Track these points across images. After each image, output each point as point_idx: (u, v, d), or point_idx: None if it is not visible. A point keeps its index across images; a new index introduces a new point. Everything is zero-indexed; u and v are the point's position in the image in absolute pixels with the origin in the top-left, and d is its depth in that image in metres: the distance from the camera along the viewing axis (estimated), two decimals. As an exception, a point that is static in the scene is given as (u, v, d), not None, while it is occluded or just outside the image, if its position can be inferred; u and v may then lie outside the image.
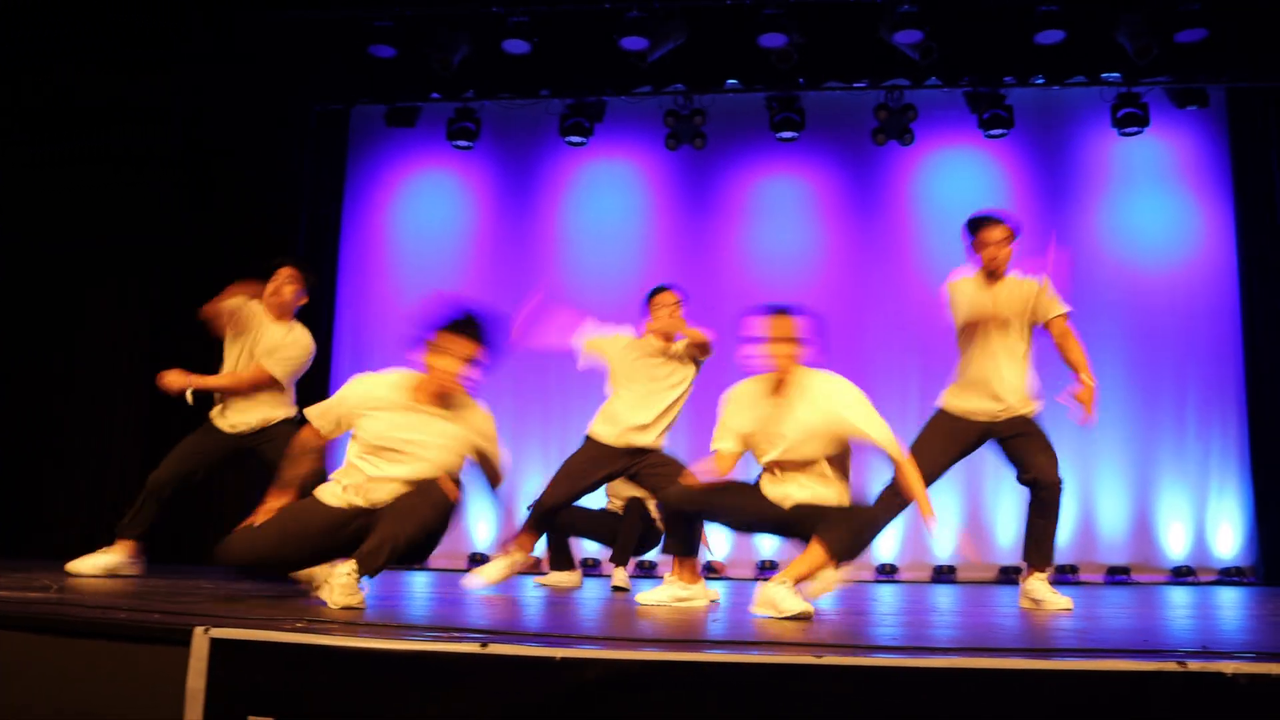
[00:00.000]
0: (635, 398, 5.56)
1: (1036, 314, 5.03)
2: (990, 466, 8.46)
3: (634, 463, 5.49)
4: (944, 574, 8.58)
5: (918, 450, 4.56)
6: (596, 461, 5.50)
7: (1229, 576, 8.46)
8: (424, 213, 9.67)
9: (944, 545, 8.73)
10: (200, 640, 2.41)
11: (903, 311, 8.98)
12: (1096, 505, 8.69)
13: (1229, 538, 8.60)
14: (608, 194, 9.54)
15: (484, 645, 2.32)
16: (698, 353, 5.68)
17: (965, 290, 5.16)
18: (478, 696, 2.29)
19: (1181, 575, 8.45)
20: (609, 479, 5.68)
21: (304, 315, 9.09)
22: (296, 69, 8.90)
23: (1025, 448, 4.85)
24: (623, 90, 9.15)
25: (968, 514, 8.74)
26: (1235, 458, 8.73)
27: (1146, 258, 8.98)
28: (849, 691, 2.19)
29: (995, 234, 5.12)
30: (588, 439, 5.62)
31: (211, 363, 5.78)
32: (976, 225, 5.21)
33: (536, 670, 2.27)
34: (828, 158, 9.38)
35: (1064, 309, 5.01)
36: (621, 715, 2.24)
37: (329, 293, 9.36)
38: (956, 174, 9.31)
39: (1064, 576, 8.44)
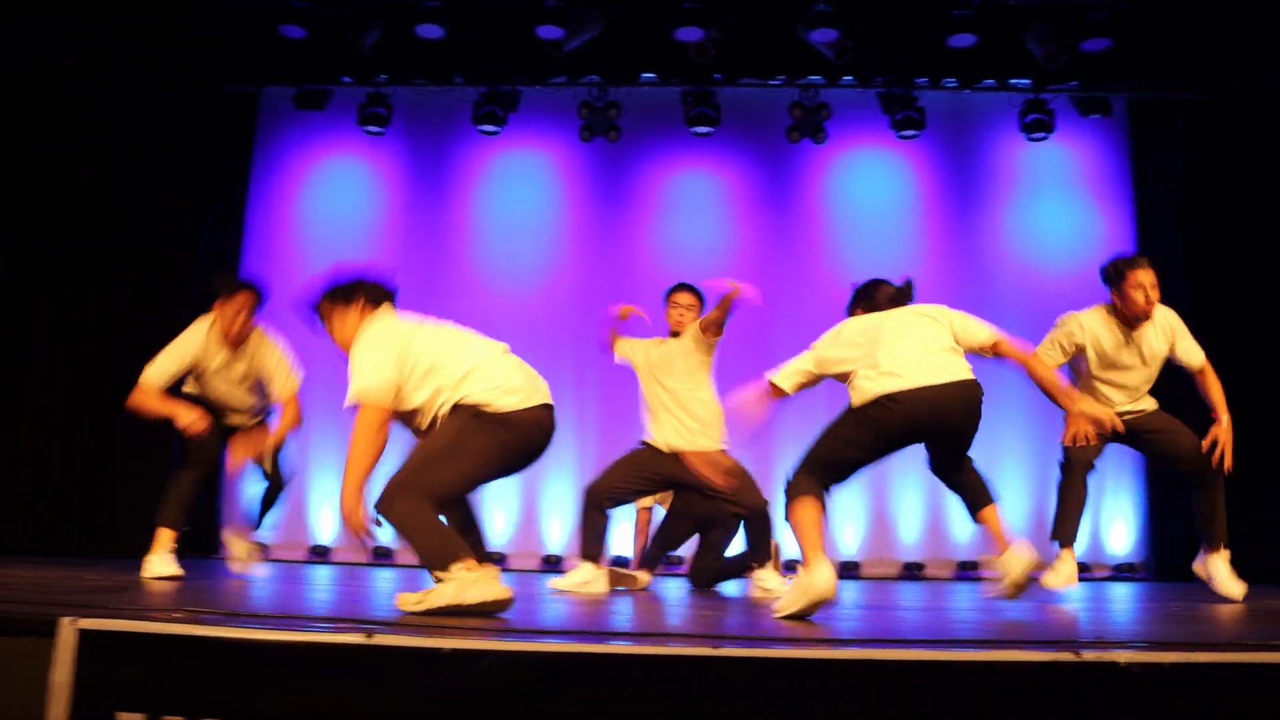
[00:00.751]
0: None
1: (1174, 355, 5.31)
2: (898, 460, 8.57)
3: None
4: (848, 570, 8.65)
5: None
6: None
7: (1122, 572, 8.68)
8: (333, 199, 9.47)
9: (848, 542, 8.79)
10: (67, 631, 2.29)
11: (814, 309, 8.99)
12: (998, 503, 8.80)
13: (1122, 535, 8.82)
14: (520, 184, 9.43)
15: (370, 636, 2.24)
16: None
17: (1099, 332, 5.23)
18: (364, 689, 2.21)
19: (1078, 571, 8.61)
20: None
21: (207, 304, 8.91)
22: (203, 48, 8.63)
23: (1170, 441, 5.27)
24: (538, 80, 9.07)
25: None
26: (1130, 457, 8.93)
27: (1050, 261, 9.15)
28: (750, 682, 2.15)
29: (1148, 277, 5.06)
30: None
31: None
32: (1124, 265, 5.11)
33: (425, 662, 2.20)
34: (742, 154, 9.40)
35: (1202, 355, 5.26)
36: (514, 707, 2.17)
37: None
38: (869, 173, 9.40)
39: (967, 574, 8.57)
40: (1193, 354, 5.24)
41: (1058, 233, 9.26)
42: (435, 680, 2.16)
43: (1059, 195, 9.35)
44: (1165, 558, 8.60)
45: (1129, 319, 5.12)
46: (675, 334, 5.96)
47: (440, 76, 9.07)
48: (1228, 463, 5.04)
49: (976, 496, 4.12)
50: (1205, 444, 5.06)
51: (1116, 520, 8.85)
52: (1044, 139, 9.07)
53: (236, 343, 5.47)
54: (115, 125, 8.66)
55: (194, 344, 5.39)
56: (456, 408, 3.37)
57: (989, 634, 2.73)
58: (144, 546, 5.23)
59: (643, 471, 5.65)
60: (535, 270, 9.25)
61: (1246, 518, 5.49)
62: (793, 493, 3.60)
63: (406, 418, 3.52)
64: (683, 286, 6.04)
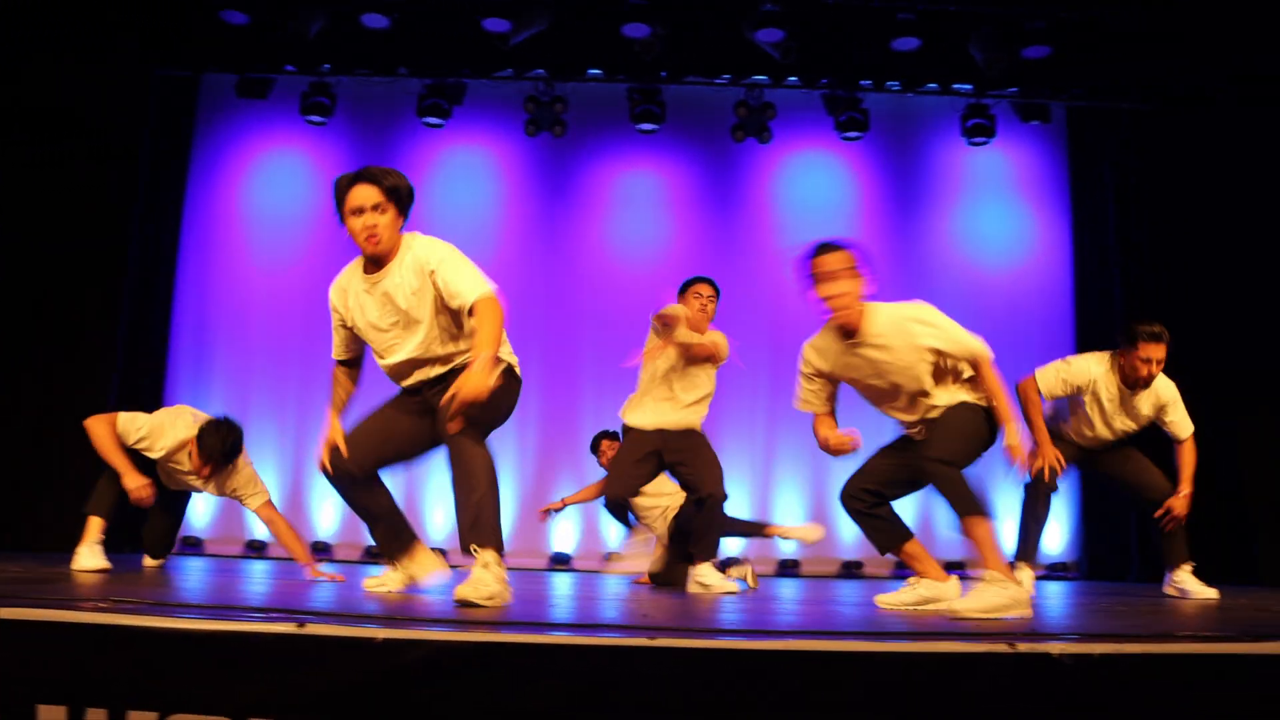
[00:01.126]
0: None
1: (1161, 422, 5.58)
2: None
3: None
4: (788, 567, 8.70)
5: None
6: None
7: (1055, 571, 8.82)
8: (274, 189, 9.33)
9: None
10: (-15, 622, 2.22)
11: (757, 308, 9.07)
12: (935, 505, 8.91)
13: (1056, 536, 8.96)
14: (464, 177, 9.37)
15: (301, 625, 2.21)
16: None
17: (1102, 383, 5.48)
18: (295, 679, 2.18)
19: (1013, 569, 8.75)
20: None
21: (138, 298, 8.74)
22: (142, 31, 8.46)
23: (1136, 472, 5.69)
24: (483, 73, 9.01)
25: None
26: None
27: (988, 264, 9.28)
28: (679, 673, 2.15)
29: (1158, 353, 5.29)
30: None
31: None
32: (1142, 336, 5.31)
33: (357, 651, 2.17)
34: (687, 152, 9.42)
35: (1190, 430, 5.52)
36: (446, 698, 2.15)
37: (169, 271, 8.98)
38: (812, 174, 9.47)
39: (905, 572, 8.64)
40: (1181, 427, 5.51)
41: (997, 236, 9.40)
42: (367, 670, 2.14)
43: (999, 199, 9.49)
44: (1097, 558, 8.76)
45: (1129, 381, 5.37)
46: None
47: (385, 67, 8.98)
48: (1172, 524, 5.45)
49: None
50: (1158, 513, 5.49)
51: (1051, 522, 8.96)
52: (985, 143, 9.19)
53: (205, 477, 5.42)
54: (44, 108, 8.42)
55: (169, 439, 5.30)
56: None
57: (928, 626, 2.76)
58: (74, 540, 5.13)
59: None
60: (477, 264, 9.18)
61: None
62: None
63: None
64: (704, 279, 5.95)
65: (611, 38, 8.43)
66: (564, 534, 8.80)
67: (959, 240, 9.37)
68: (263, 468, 8.67)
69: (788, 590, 5.46)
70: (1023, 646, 2.19)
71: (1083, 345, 9.07)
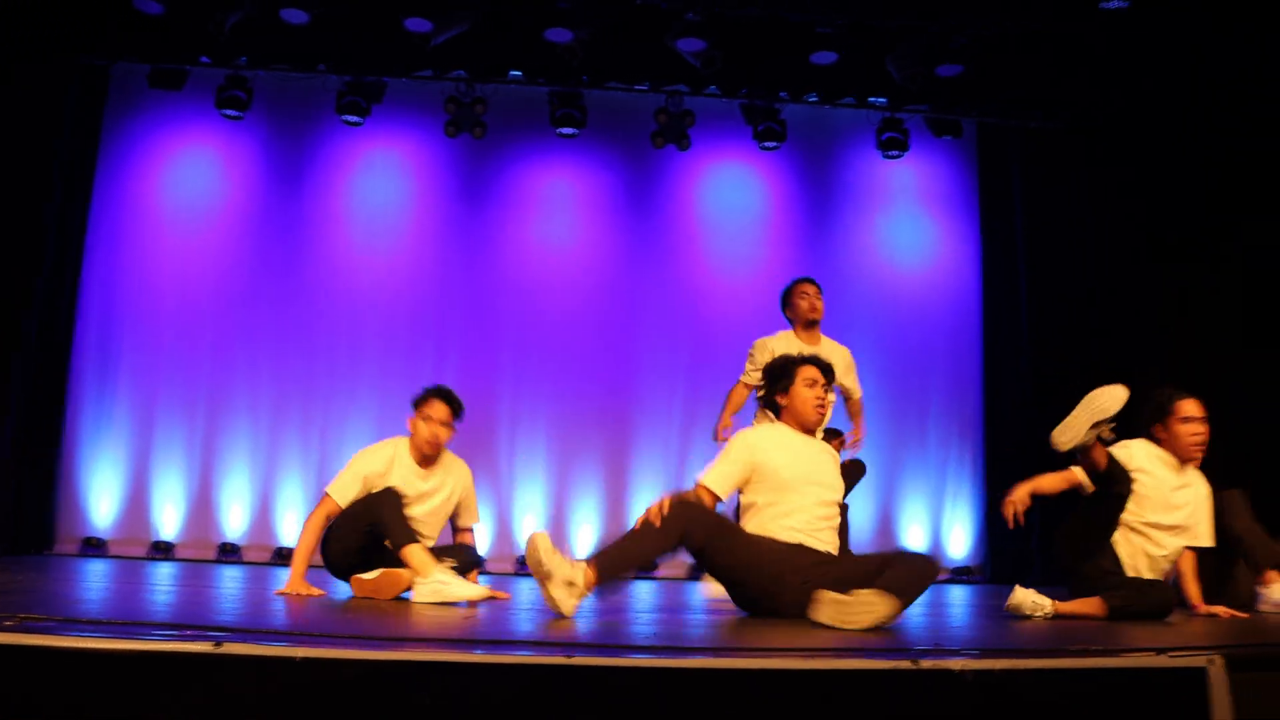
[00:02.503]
0: None
1: None
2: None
3: None
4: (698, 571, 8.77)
5: None
6: None
7: (960, 575, 9.04)
8: (186, 183, 9.13)
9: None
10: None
11: (674, 314, 9.16)
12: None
13: (961, 540, 9.19)
14: (382, 177, 9.29)
15: (218, 645, 2.19)
16: None
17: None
18: (212, 700, 2.16)
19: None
20: None
21: (50, 293, 8.48)
22: (53, 17, 8.22)
23: None
24: (404, 72, 8.94)
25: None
26: (970, 465, 9.34)
27: (900, 275, 9.48)
28: (603, 692, 2.18)
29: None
30: None
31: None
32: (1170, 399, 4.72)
33: (276, 671, 2.15)
34: (607, 157, 9.45)
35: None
36: (368, 717, 2.16)
37: (75, 267, 8.74)
38: (730, 182, 9.58)
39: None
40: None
41: (908, 247, 9.60)
42: (288, 691, 2.13)
43: (911, 211, 9.69)
44: (1001, 561, 9.00)
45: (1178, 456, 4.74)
46: (814, 322, 5.91)
47: (303, 63, 8.85)
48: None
49: None
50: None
51: (955, 526, 9.21)
52: (899, 157, 9.39)
53: None
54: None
55: None
56: None
57: (833, 643, 2.82)
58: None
59: None
60: (394, 265, 9.12)
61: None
62: None
63: None
64: (809, 280, 6.01)
65: (534, 41, 8.42)
66: (479, 537, 8.74)
67: (872, 251, 9.55)
68: (170, 467, 8.58)
69: (699, 601, 5.51)
70: (926, 663, 2.24)
71: (989, 356, 9.33)
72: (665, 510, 3.57)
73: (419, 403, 4.88)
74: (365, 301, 8.95)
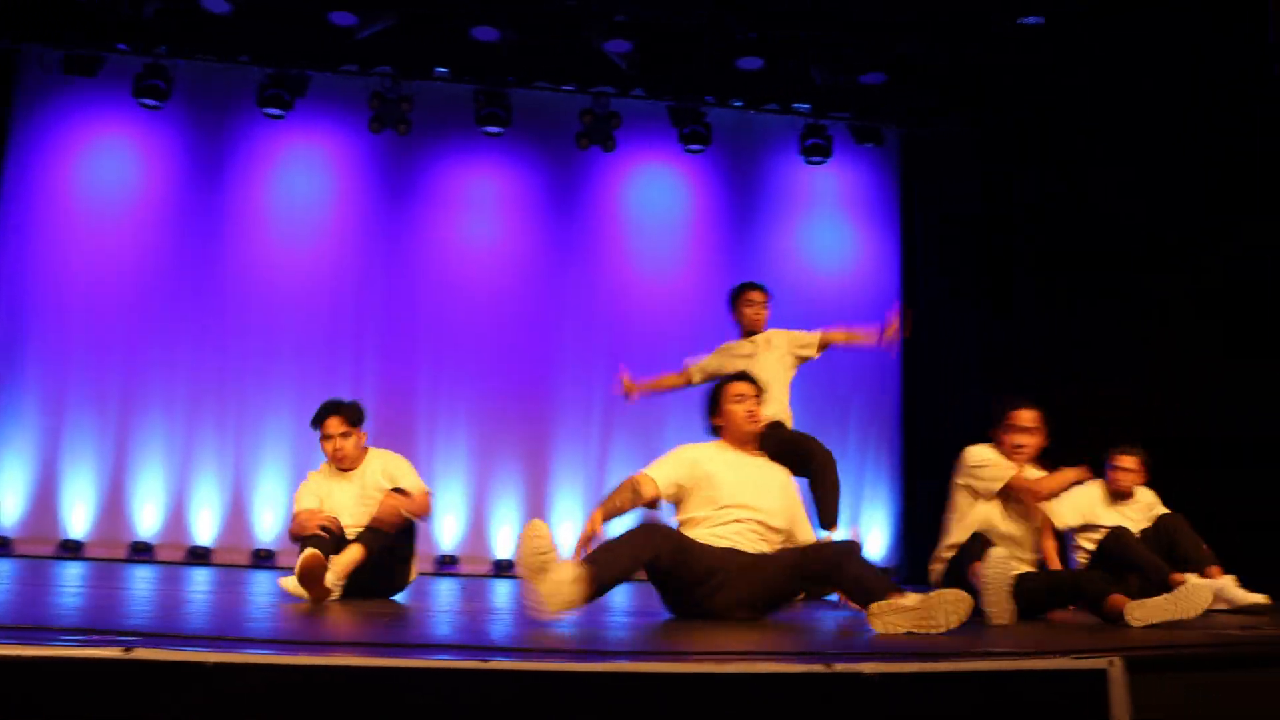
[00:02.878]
0: None
1: None
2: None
3: None
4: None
5: None
6: None
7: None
8: (100, 173, 8.91)
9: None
10: None
11: (596, 314, 9.17)
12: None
13: (878, 543, 9.33)
14: (304, 172, 9.16)
15: (128, 650, 2.15)
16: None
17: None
18: (120, 707, 2.12)
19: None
20: None
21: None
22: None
23: None
24: (328, 66, 8.84)
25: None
26: (887, 467, 9.50)
27: (822, 282, 9.58)
28: (519, 696, 2.18)
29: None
30: None
31: None
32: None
33: (187, 677, 2.12)
34: (532, 157, 9.42)
35: None
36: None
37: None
38: (655, 184, 9.62)
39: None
40: None
41: (830, 252, 9.73)
42: (198, 697, 2.10)
43: (833, 217, 9.82)
44: (918, 563, 9.15)
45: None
46: (753, 332, 5.90)
47: (225, 53, 8.71)
48: None
49: None
50: None
51: (873, 527, 9.36)
52: (821, 163, 9.51)
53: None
54: None
55: None
56: None
57: (748, 646, 2.86)
58: None
59: None
60: (314, 262, 9.00)
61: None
62: None
63: None
64: (756, 285, 6.02)
65: (460, 38, 8.38)
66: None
67: (794, 255, 9.65)
68: (80, 464, 8.37)
69: (619, 600, 5.54)
70: (838, 666, 2.29)
71: (907, 362, 9.48)
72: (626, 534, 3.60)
73: (314, 425, 4.82)
74: (284, 298, 8.82)
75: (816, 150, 9.43)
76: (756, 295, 5.99)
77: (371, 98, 8.94)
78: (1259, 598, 5.14)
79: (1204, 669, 2.68)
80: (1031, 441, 4.62)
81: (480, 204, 9.31)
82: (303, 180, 9.12)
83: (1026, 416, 4.63)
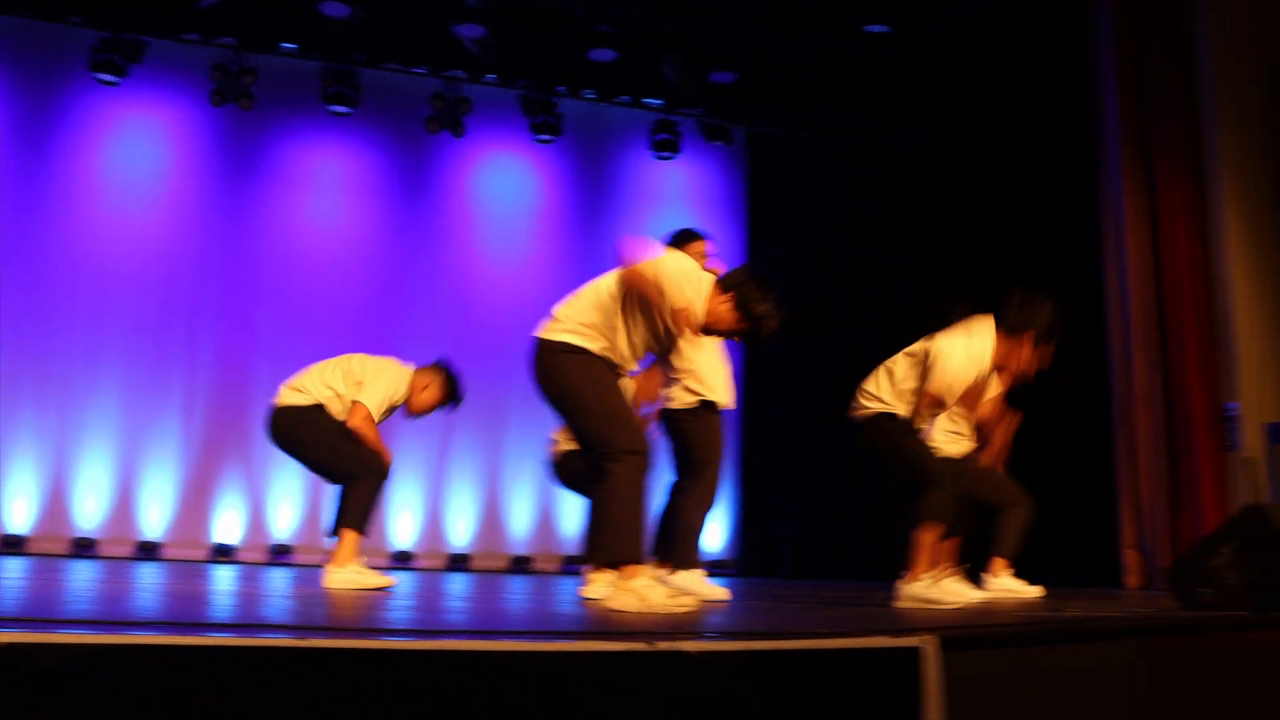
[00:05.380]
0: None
1: None
2: (511, 456, 8.77)
3: None
4: (459, 562, 8.73)
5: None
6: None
7: (715, 568, 9.35)
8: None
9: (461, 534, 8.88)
10: None
11: (442, 300, 9.08)
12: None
13: (716, 534, 9.50)
14: (140, 142, 8.79)
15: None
16: None
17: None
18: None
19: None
20: None
21: None
22: None
23: None
24: (167, 33, 8.50)
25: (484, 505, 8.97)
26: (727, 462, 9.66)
27: (669, 274, 9.68)
28: (339, 675, 2.15)
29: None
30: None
31: None
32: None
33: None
34: (379, 139, 9.27)
35: None
36: (80, 706, 2.04)
37: None
38: (504, 172, 9.59)
39: (573, 568, 8.89)
40: None
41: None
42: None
43: (681, 213, 9.92)
44: (753, 556, 9.37)
45: None
46: None
47: (53, 12, 8.28)
48: None
49: None
50: None
51: (712, 521, 9.50)
52: (671, 158, 9.64)
53: None
54: None
55: None
56: None
57: (575, 626, 2.88)
58: None
59: None
60: (148, 237, 8.65)
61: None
62: None
63: None
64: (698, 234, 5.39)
65: (308, 14, 8.17)
66: (229, 525, 8.42)
67: (644, 250, 9.72)
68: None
69: (456, 585, 5.50)
70: (661, 645, 2.32)
71: (748, 358, 9.67)
72: None
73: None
74: (114, 275, 8.43)
75: (666, 146, 9.55)
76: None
77: (213, 69, 8.64)
78: (1036, 590, 5.27)
79: (1014, 645, 2.82)
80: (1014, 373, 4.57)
81: (325, 185, 9.11)
82: (138, 152, 8.75)
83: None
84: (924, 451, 4.62)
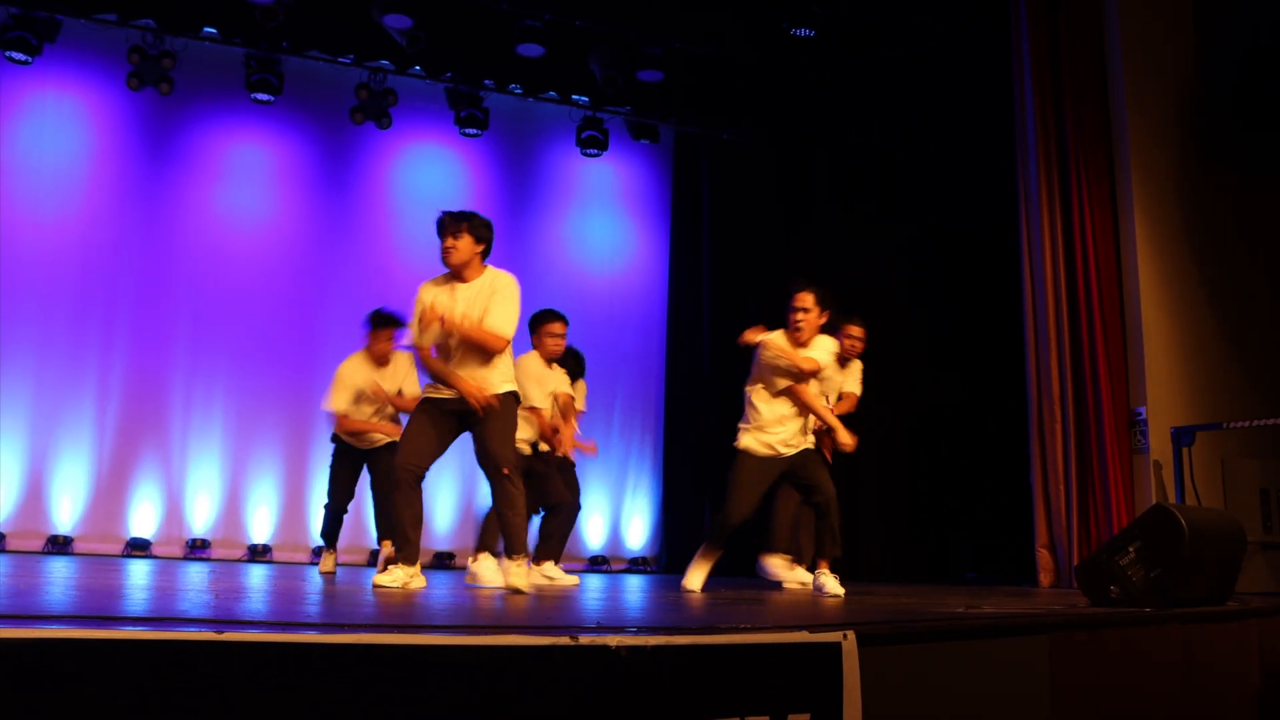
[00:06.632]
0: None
1: None
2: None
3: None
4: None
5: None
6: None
7: (636, 565, 9.38)
8: None
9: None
10: None
11: (362, 292, 8.92)
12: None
13: (639, 531, 9.53)
14: (53, 124, 8.51)
15: None
16: None
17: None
18: None
19: (597, 564, 9.24)
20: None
21: None
22: None
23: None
24: (82, 12, 8.24)
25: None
26: (650, 459, 9.70)
27: (592, 270, 9.72)
28: (264, 669, 2.12)
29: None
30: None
31: None
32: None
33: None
34: (303, 128, 9.13)
35: None
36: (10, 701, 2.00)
37: None
38: (429, 165, 9.50)
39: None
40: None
41: (602, 244, 9.87)
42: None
43: (606, 210, 9.97)
44: (675, 552, 9.40)
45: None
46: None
47: (-39, -12, 8.01)
48: None
49: None
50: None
51: (634, 517, 9.55)
52: (597, 155, 9.65)
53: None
54: None
55: None
56: None
57: (496, 619, 2.88)
58: None
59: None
60: (61, 223, 8.39)
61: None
62: None
63: None
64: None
65: (232, -1, 8.01)
66: (144, 518, 8.22)
67: (566, 245, 9.74)
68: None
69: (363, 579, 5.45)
70: (584, 639, 2.33)
71: (672, 357, 9.74)
72: None
73: None
74: (23, 261, 8.16)
75: (593, 143, 9.55)
76: (558, 326, 6.37)
77: (131, 52, 8.42)
78: (839, 590, 5.33)
79: (930, 640, 2.89)
80: (808, 319, 5.22)
81: (246, 172, 8.94)
82: (50, 133, 8.48)
83: (804, 299, 5.22)
84: None
